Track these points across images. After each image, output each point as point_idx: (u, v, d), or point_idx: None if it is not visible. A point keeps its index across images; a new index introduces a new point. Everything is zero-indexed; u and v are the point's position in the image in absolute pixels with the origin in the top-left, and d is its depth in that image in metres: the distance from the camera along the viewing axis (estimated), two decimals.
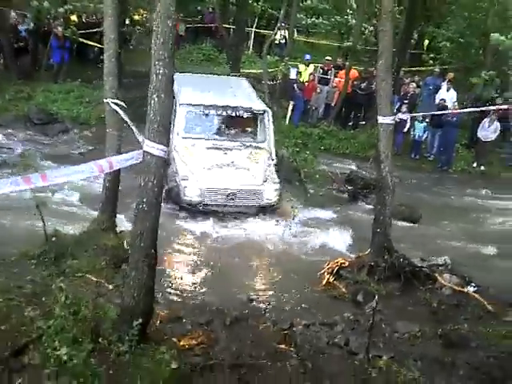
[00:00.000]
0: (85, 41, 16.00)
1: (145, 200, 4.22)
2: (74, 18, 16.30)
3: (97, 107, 13.65)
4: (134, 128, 5.71)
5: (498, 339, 5.15)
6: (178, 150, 8.74)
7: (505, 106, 8.80)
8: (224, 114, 9.20)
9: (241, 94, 9.95)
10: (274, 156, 9.13)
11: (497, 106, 9.85)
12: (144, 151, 4.29)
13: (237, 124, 9.33)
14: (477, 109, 8.97)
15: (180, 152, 8.73)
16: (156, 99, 4.15)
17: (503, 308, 5.88)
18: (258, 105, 9.49)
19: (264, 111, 9.31)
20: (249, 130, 9.39)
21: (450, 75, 14.08)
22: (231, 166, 8.64)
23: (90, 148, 11.35)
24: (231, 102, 9.28)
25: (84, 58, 16.62)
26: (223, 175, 8.53)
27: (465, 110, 9.66)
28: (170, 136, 8.47)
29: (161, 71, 4.11)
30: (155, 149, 4.18)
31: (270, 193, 8.63)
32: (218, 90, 10.02)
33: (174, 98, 8.98)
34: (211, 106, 9.18)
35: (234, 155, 8.81)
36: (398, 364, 4.41)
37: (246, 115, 9.23)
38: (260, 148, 9.08)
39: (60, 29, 14.84)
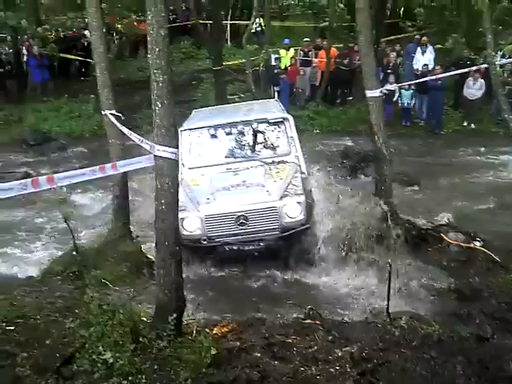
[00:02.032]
0: (65, 55, 16.16)
1: (163, 201, 4.42)
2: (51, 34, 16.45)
3: (88, 120, 13.92)
4: (134, 138, 5.89)
5: (508, 286, 5.45)
6: (183, 183, 7.05)
7: (482, 66, 9.08)
8: (235, 131, 7.77)
9: (258, 110, 8.49)
10: (304, 169, 7.56)
11: (476, 67, 10.16)
12: (155, 156, 4.48)
13: (252, 140, 7.87)
14: (457, 72, 9.21)
15: (185, 184, 7.13)
16: (160, 105, 4.33)
17: (510, 257, 6.13)
18: (275, 113, 8.09)
19: (283, 119, 7.86)
20: (268, 143, 7.88)
21: (424, 40, 14.29)
22: (241, 186, 7.04)
23: (89, 162, 11.52)
24: (242, 118, 7.97)
25: (66, 73, 16.77)
26: (229, 197, 6.87)
27: (446, 74, 9.95)
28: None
29: (160, 79, 4.29)
30: (166, 152, 4.37)
31: (293, 209, 6.71)
32: (230, 112, 8.66)
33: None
34: (218, 125, 7.78)
35: (248, 174, 7.29)
36: (418, 321, 4.69)
37: (261, 128, 7.77)
38: (284, 162, 7.54)
39: (36, 48, 15.00)
